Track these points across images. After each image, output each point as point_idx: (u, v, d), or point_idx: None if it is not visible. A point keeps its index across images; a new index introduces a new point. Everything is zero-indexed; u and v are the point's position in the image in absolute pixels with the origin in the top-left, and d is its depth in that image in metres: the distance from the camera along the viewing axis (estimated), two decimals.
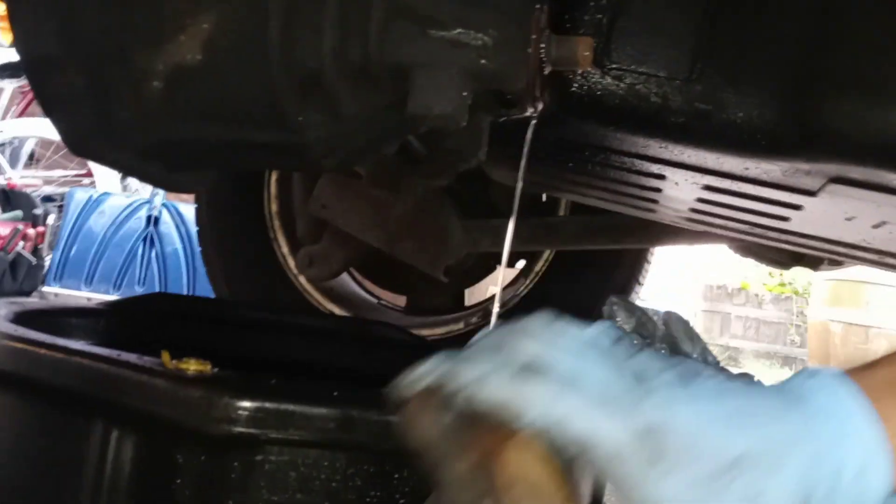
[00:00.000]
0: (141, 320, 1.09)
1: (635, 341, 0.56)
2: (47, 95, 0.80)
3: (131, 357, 0.63)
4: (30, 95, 5.09)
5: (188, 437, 0.59)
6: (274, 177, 1.98)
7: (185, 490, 0.60)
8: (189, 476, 0.60)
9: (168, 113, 0.81)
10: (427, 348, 1.32)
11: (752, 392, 0.53)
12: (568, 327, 0.53)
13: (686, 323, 0.78)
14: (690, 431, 0.50)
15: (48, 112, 0.81)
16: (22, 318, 0.82)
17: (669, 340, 0.76)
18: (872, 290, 5.38)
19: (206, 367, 0.62)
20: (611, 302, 0.78)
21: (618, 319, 0.75)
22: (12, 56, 4.62)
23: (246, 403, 0.57)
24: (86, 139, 0.83)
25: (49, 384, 0.65)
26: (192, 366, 0.61)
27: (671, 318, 0.77)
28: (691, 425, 0.50)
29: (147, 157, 0.88)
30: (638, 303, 2.00)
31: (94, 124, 0.81)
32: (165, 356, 0.62)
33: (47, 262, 3.63)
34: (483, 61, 0.74)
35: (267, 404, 0.58)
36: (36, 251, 3.51)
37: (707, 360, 0.75)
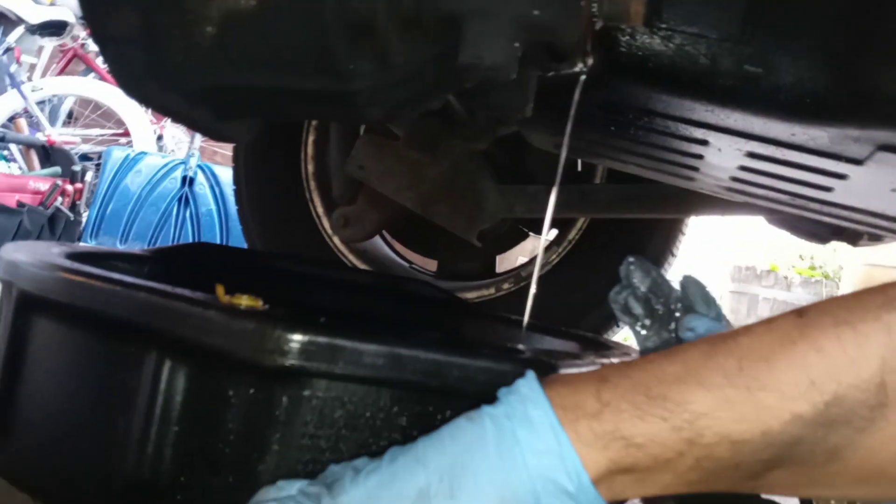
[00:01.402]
0: (183, 267, 1.11)
1: None
2: (102, 35, 0.81)
3: (185, 291, 0.64)
4: (69, 54, 5.14)
5: (239, 368, 0.61)
6: (311, 138, 1.99)
7: (234, 422, 0.62)
8: (238, 408, 0.62)
9: (219, 58, 0.82)
10: (462, 306, 1.33)
11: (427, 439, 0.56)
12: None
13: (702, 287, 0.79)
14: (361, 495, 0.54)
15: (103, 52, 0.83)
16: (74, 258, 0.84)
17: (685, 302, 0.76)
18: None
19: (258, 303, 0.63)
20: (627, 262, 0.78)
21: (634, 279, 0.75)
22: (53, 14, 4.67)
23: (298, 336, 0.58)
24: (138, 81, 0.84)
25: (104, 315, 0.67)
26: (244, 301, 0.63)
27: (688, 282, 0.78)
28: (360, 491, 0.54)
29: (196, 103, 0.89)
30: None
31: (147, 66, 0.82)
32: (220, 290, 0.64)
33: (84, 218, 3.68)
34: (535, 12, 0.74)
35: (318, 338, 0.59)
36: (73, 207, 3.55)
37: (721, 323, 0.75)
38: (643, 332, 0.74)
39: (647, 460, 0.54)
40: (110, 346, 0.67)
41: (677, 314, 0.76)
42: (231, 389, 0.62)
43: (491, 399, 0.58)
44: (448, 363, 0.62)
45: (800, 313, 0.56)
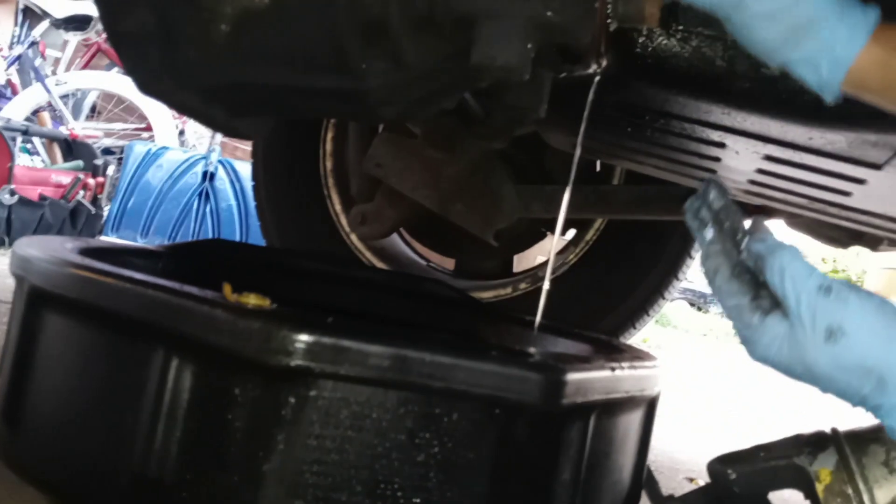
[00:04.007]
0: (198, 263, 1.12)
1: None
2: (118, 33, 0.82)
3: (193, 289, 0.64)
4: (93, 48, 5.18)
5: (245, 368, 0.61)
6: (329, 134, 2.00)
7: (240, 421, 0.62)
8: (244, 407, 0.62)
9: (234, 56, 0.82)
10: (476, 306, 1.32)
11: None
12: None
13: (770, 229, 0.80)
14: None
15: (118, 50, 0.83)
16: (88, 253, 0.85)
17: (752, 231, 0.78)
18: None
19: (266, 303, 0.63)
20: (708, 179, 0.79)
21: (710, 195, 0.77)
22: (77, 9, 4.71)
23: (303, 337, 0.59)
24: (153, 79, 0.84)
25: (113, 312, 0.67)
26: (251, 300, 0.63)
27: (758, 220, 0.79)
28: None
29: (210, 100, 0.89)
30: (685, 282, 1.97)
31: (162, 64, 0.83)
32: (227, 289, 0.64)
33: (105, 212, 3.71)
34: (549, 13, 0.73)
35: (324, 339, 0.59)
36: (95, 201, 3.58)
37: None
38: (708, 237, 0.76)
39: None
40: (118, 342, 0.67)
41: (741, 240, 0.77)
42: (237, 388, 0.62)
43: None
44: (454, 366, 0.62)
45: None
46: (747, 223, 0.78)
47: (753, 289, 0.72)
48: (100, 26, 4.77)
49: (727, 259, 0.74)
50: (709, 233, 0.76)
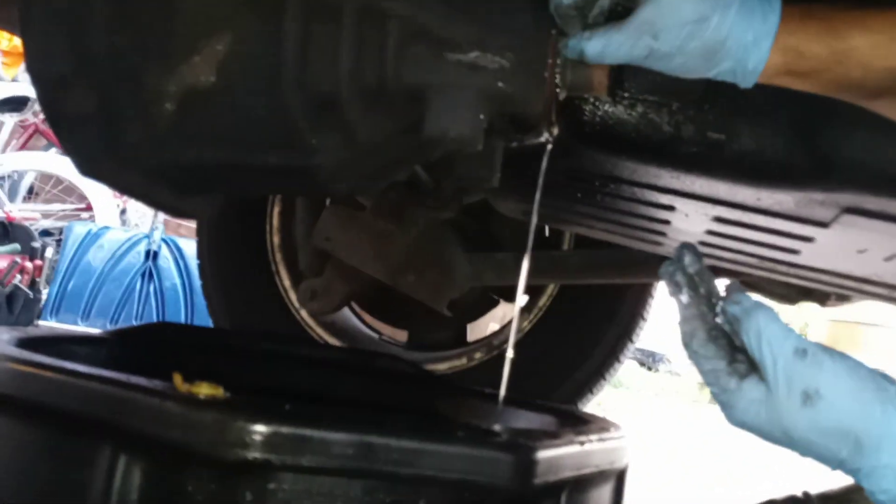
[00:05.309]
0: (144, 348, 1.08)
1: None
2: (57, 115, 0.79)
3: (141, 380, 0.61)
4: (30, 129, 5.10)
5: (199, 462, 0.57)
6: (276, 209, 1.97)
7: None
8: None
9: (179, 135, 0.80)
10: (433, 381, 1.30)
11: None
12: None
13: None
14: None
15: (57, 132, 0.80)
16: (25, 343, 0.81)
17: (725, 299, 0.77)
18: (870, 331, 5.36)
19: (219, 392, 0.60)
20: (681, 245, 0.79)
21: (685, 260, 0.77)
22: (14, 91, 4.65)
23: (261, 428, 0.56)
24: (95, 160, 0.82)
25: (55, 408, 0.63)
26: (203, 390, 0.60)
27: (732, 286, 0.79)
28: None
29: (155, 181, 0.86)
30: (637, 342, 1.98)
31: (104, 145, 0.80)
32: (177, 379, 0.60)
33: (44, 295, 3.61)
34: (500, 84, 0.73)
35: (283, 429, 0.56)
36: (33, 285, 3.48)
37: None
38: (684, 301, 0.75)
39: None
40: (61, 440, 0.63)
41: (716, 304, 0.77)
42: (191, 485, 0.58)
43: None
44: (421, 450, 0.59)
45: None
46: (721, 287, 0.79)
47: (730, 353, 0.72)
48: (37, 107, 4.71)
49: (703, 323, 0.74)
50: (684, 297, 0.76)
